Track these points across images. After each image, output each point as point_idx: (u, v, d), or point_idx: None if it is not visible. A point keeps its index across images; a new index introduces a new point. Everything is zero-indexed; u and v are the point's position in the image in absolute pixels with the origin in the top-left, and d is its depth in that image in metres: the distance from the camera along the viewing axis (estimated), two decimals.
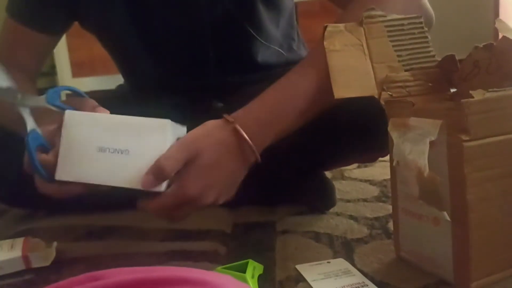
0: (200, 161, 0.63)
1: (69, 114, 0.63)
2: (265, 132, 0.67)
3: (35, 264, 0.71)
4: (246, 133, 0.65)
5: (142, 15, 0.87)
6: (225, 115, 0.67)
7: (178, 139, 0.63)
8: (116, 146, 0.61)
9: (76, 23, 0.92)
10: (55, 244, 0.74)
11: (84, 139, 0.61)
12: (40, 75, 0.94)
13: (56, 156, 0.62)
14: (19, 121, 0.65)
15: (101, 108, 0.66)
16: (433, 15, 0.75)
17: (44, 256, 0.72)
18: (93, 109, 0.65)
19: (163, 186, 0.60)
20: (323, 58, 0.64)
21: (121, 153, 0.61)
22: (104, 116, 0.63)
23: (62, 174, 0.62)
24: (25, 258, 0.71)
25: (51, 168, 0.62)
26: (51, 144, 0.64)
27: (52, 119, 0.64)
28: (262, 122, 0.67)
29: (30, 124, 0.64)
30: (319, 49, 0.65)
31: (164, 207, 0.62)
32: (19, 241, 0.74)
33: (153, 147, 0.60)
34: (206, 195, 0.64)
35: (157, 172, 0.60)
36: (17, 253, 0.71)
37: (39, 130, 0.64)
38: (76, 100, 0.67)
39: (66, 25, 0.91)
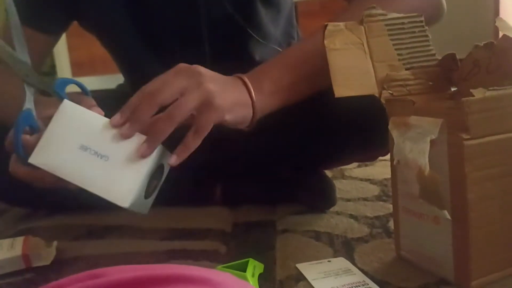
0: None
1: (66, 103, 0.61)
2: (259, 76, 0.68)
3: (35, 263, 0.71)
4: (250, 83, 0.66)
5: (141, 14, 0.87)
6: None
7: (161, 165, 0.62)
8: (98, 149, 0.59)
9: (75, 22, 0.92)
10: (55, 243, 0.74)
11: (70, 132, 0.60)
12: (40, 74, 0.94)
13: (38, 140, 0.60)
14: (16, 99, 0.64)
15: (97, 108, 0.65)
16: (445, 5, 0.75)
17: (44, 255, 0.72)
18: (89, 108, 0.65)
19: (128, 201, 0.58)
20: (320, 37, 0.64)
21: (100, 158, 0.59)
22: (98, 118, 0.62)
23: (37, 159, 0.60)
24: (25, 257, 0.70)
25: (30, 150, 0.60)
26: (41, 129, 0.63)
27: (54, 106, 0.64)
28: (256, 72, 0.68)
29: (28, 103, 0.63)
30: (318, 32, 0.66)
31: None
32: (19, 240, 0.73)
33: (133, 163, 0.59)
34: (213, 77, 0.63)
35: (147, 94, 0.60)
36: (17, 252, 0.71)
37: (34, 112, 0.63)
38: (77, 96, 0.67)
39: (66, 25, 0.91)
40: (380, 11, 0.65)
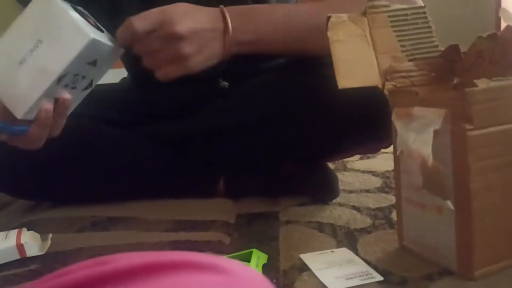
0: (177, 9, 0.68)
1: None
2: (245, 20, 0.74)
3: (30, 253, 0.71)
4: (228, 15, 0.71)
5: (151, 2, 0.87)
6: None
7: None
8: (28, 46, 0.61)
9: None
10: (50, 235, 0.75)
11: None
12: None
13: None
14: None
15: None
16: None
17: (39, 245, 0.73)
18: None
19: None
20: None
21: (37, 47, 0.61)
22: None
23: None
24: (20, 247, 0.71)
25: None
26: None
27: None
28: (243, 11, 0.75)
29: None
30: None
31: (152, 32, 0.66)
32: (14, 232, 0.74)
33: (62, 27, 0.61)
34: (192, 37, 0.67)
35: (124, 28, 0.64)
36: (11, 242, 0.71)
37: None
38: None
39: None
40: (383, 3, 0.65)
